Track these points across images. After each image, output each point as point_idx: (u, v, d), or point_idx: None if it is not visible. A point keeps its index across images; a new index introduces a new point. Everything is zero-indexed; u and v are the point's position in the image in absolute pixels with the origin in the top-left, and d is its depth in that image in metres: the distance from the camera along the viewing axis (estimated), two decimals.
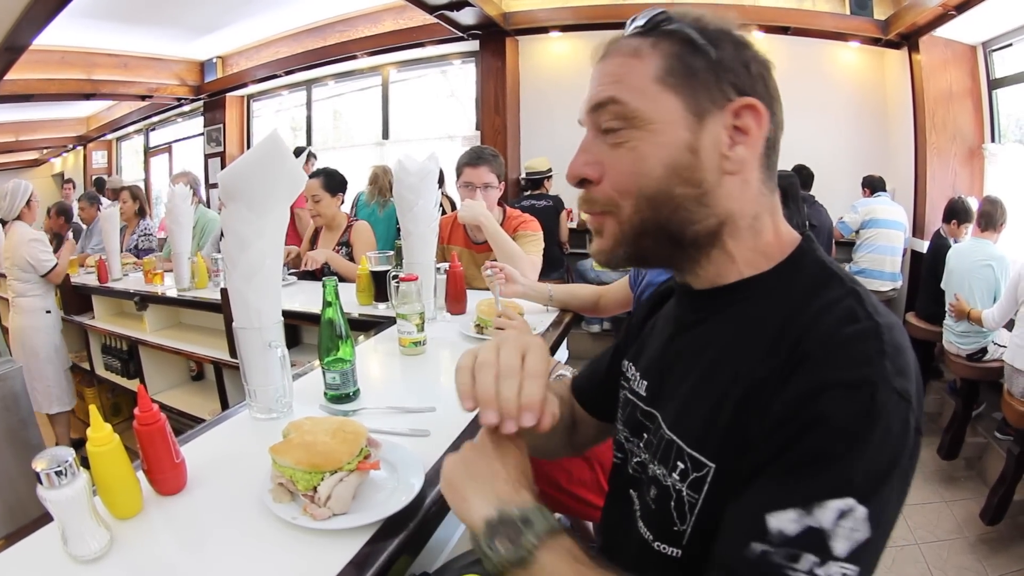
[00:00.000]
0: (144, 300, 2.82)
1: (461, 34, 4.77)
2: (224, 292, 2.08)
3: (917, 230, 4.22)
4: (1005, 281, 2.81)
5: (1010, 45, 3.85)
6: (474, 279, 2.14)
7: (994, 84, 4.03)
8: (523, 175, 4.60)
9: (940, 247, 3.35)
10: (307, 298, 2.10)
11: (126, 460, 0.82)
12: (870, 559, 0.47)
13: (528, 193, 4.45)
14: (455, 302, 1.87)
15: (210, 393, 2.73)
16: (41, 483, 0.71)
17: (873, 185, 4.18)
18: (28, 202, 3.14)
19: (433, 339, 1.59)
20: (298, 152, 4.34)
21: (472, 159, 2.21)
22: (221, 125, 6.72)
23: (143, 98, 6.45)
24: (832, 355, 0.51)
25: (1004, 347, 2.65)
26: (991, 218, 2.99)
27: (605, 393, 0.85)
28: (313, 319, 1.74)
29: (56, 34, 4.44)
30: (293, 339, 2.40)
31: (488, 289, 1.83)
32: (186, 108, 7.13)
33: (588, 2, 4.59)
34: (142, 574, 0.74)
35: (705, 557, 0.54)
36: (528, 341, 0.63)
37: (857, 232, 4.07)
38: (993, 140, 4.07)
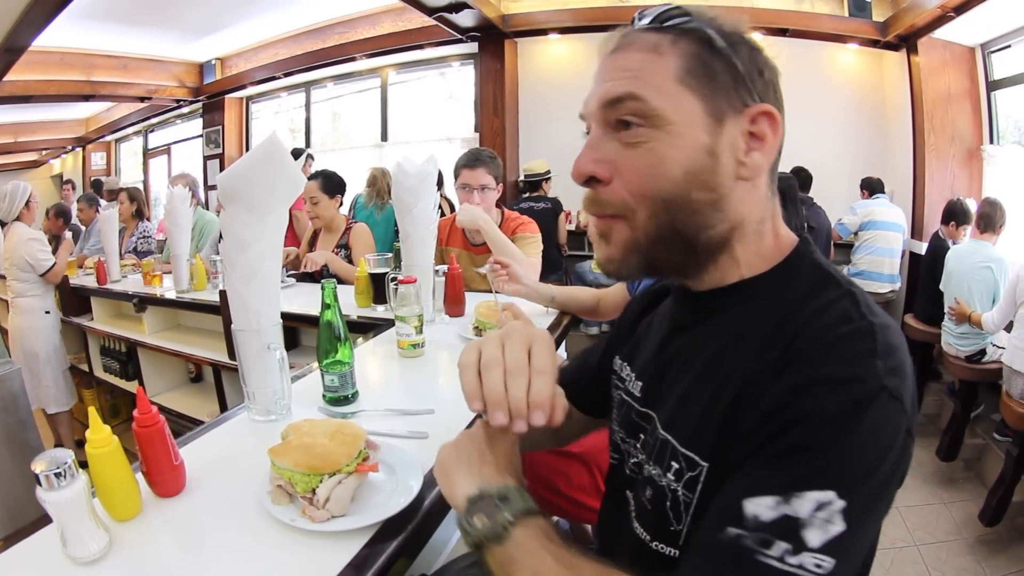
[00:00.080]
0: (143, 302, 2.82)
1: (460, 36, 4.78)
2: (223, 294, 2.07)
3: (916, 232, 4.23)
4: (1004, 283, 2.81)
5: (1008, 47, 3.86)
6: (472, 281, 2.14)
7: (992, 86, 4.04)
8: (522, 177, 4.61)
9: (939, 249, 3.36)
10: (306, 300, 2.10)
11: (125, 462, 0.82)
12: (848, 554, 0.46)
13: (527, 195, 4.45)
14: (454, 304, 1.87)
15: (209, 395, 2.72)
16: (40, 485, 0.71)
17: (872, 187, 4.18)
18: (27, 203, 3.14)
19: (432, 341, 1.59)
20: (296, 154, 4.34)
21: (469, 161, 2.22)
22: (220, 127, 6.73)
23: (142, 100, 6.47)
24: (823, 353, 0.51)
25: (1003, 349, 2.65)
26: (990, 220, 2.99)
27: (595, 389, 0.85)
28: (312, 321, 1.74)
29: (55, 35, 4.44)
30: (292, 341, 2.40)
31: (486, 290, 1.82)
32: (185, 110, 7.15)
33: (587, 4, 4.60)
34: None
35: None
36: (533, 333, 0.62)
37: (856, 234, 4.09)
38: (992, 142, 4.08)
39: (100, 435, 0.80)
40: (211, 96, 6.65)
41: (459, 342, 1.64)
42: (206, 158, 6.86)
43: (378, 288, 1.99)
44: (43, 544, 0.78)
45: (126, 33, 5.26)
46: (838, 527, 0.45)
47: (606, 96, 0.60)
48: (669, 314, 0.72)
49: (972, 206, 3.33)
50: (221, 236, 1.12)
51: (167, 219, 2.89)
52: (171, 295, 2.76)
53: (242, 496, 0.88)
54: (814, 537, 0.45)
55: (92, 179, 7.57)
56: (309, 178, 2.68)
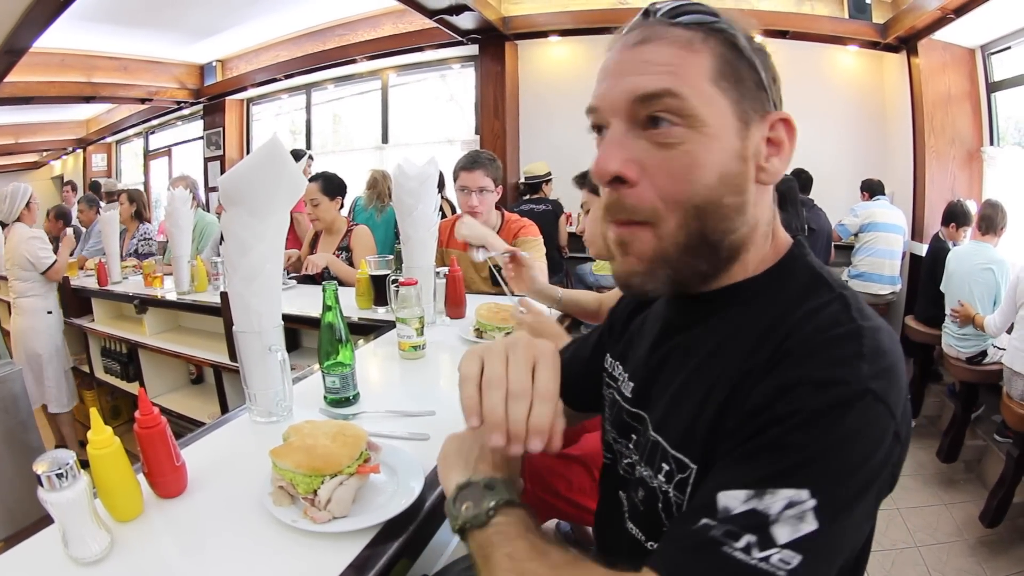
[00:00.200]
0: (144, 303, 2.82)
1: (461, 38, 4.78)
2: (224, 296, 2.08)
3: (916, 233, 4.23)
4: (1005, 284, 2.81)
5: (1008, 48, 3.86)
6: (473, 283, 2.14)
7: (992, 87, 4.04)
8: (522, 179, 4.61)
9: (939, 250, 3.36)
10: (307, 302, 2.10)
11: (127, 463, 0.83)
12: (818, 552, 0.45)
13: (527, 197, 4.45)
14: (454, 306, 1.87)
15: (210, 396, 2.72)
16: (42, 485, 0.71)
17: (872, 189, 4.18)
18: (28, 204, 3.14)
19: (432, 343, 1.59)
20: (297, 156, 4.34)
21: (468, 163, 2.22)
22: (220, 128, 6.73)
23: (143, 101, 6.47)
24: (811, 355, 0.51)
25: (1003, 350, 2.65)
26: (991, 222, 2.99)
27: (585, 384, 0.84)
28: (313, 323, 1.74)
29: (56, 37, 4.44)
30: (293, 343, 2.40)
31: (487, 292, 1.82)
32: (186, 111, 7.15)
33: (587, 7, 4.60)
34: None
35: None
36: (539, 350, 0.61)
37: (856, 236, 4.08)
38: (992, 143, 4.08)
39: (102, 436, 0.80)
40: (212, 98, 6.65)
41: (460, 344, 1.64)
42: (207, 160, 6.86)
43: (379, 290, 1.99)
44: (45, 545, 0.78)
45: (127, 35, 5.26)
46: (809, 526, 0.45)
47: (639, 90, 0.55)
48: (662, 314, 0.71)
49: (972, 208, 3.33)
50: (222, 238, 1.12)
51: (168, 221, 2.89)
52: (172, 296, 2.76)
53: (243, 497, 0.88)
54: (783, 534, 0.45)
55: (91, 180, 7.58)
56: (310, 180, 2.68)
